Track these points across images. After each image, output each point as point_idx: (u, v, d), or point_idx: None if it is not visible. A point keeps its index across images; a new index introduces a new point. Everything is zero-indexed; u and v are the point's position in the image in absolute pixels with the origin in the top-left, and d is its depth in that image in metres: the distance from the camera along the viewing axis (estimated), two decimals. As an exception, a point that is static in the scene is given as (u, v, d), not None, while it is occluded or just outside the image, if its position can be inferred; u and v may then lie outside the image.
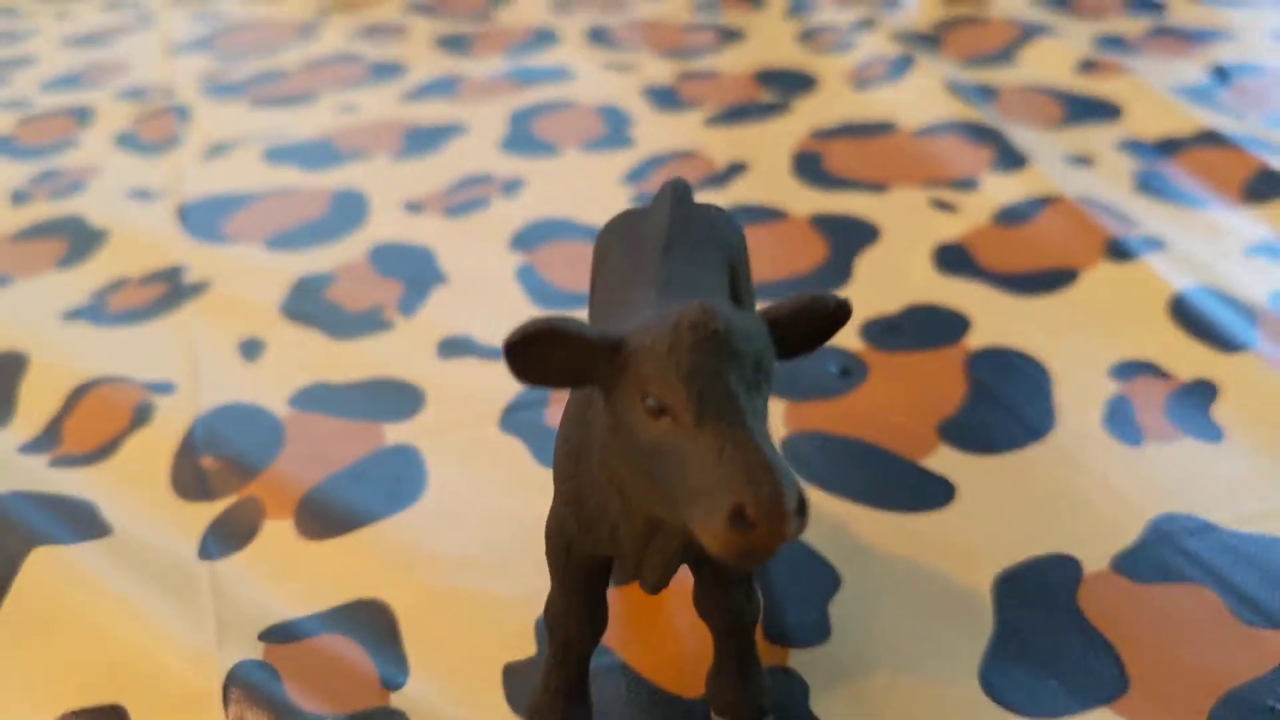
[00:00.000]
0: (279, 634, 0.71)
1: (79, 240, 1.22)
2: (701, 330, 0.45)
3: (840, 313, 0.51)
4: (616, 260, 0.62)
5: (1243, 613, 0.69)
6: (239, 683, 0.68)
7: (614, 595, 0.72)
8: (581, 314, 0.95)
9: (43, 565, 0.77)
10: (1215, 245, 1.09)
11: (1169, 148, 1.28)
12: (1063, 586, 0.72)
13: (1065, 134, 1.33)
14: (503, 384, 0.94)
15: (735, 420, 0.44)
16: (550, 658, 0.62)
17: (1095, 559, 0.74)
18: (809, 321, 0.51)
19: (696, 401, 0.44)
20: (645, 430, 0.46)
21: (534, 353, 0.46)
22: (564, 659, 0.62)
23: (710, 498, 0.43)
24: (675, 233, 0.61)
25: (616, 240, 0.64)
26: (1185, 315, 0.98)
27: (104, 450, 0.89)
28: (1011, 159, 1.27)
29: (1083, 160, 1.27)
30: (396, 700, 0.67)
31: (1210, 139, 1.28)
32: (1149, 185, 1.21)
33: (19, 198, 1.34)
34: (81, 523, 0.81)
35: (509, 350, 0.46)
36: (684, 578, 0.72)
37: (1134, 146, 1.29)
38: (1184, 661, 0.67)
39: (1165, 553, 0.74)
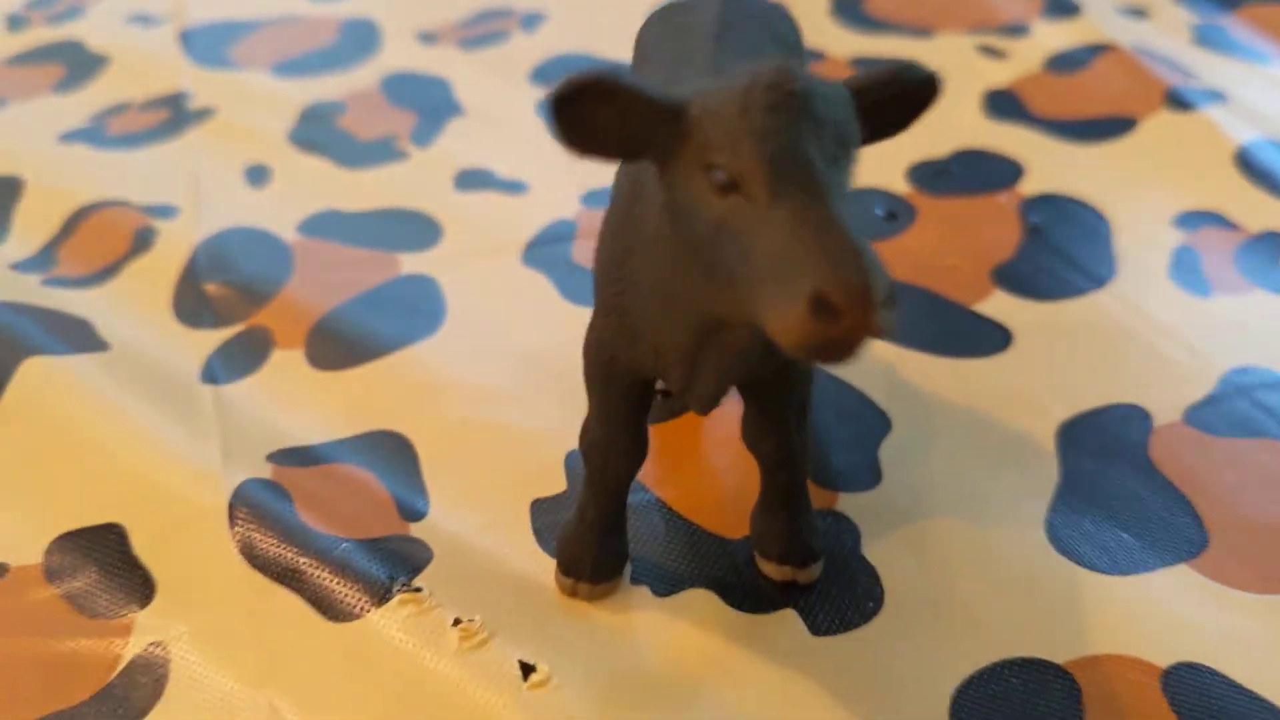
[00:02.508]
0: (289, 457, 0.67)
1: (77, 65, 1.14)
2: (779, 91, 0.39)
3: (930, 86, 0.45)
4: (661, 53, 0.56)
5: (1324, 469, 0.65)
6: (246, 501, 0.63)
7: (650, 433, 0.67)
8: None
9: (35, 376, 0.72)
10: (1279, 99, 1.02)
11: (1230, 1, 1.20)
12: (1132, 437, 0.67)
13: (1120, -18, 1.25)
14: (526, 218, 0.88)
15: (816, 194, 0.38)
16: (586, 488, 0.57)
17: (1166, 410, 0.69)
18: (896, 95, 0.45)
19: (771, 170, 0.38)
20: (710, 209, 0.40)
21: (583, 111, 0.40)
22: (601, 489, 0.57)
23: (787, 283, 0.37)
24: (728, 23, 0.54)
25: (660, 34, 0.58)
26: (1251, 167, 0.92)
27: (103, 274, 0.84)
28: (1063, 6, 1.19)
29: (1137, 11, 1.19)
30: (417, 530, 0.62)
31: (1275, -9, 1.20)
32: (1208, 38, 1.13)
33: (15, 22, 1.25)
34: (77, 337, 0.76)
35: (555, 104, 0.39)
36: (720, 414, 0.67)
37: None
38: (1265, 518, 0.62)
39: (1241, 405, 0.69)
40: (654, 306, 0.48)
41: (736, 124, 0.39)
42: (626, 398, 0.54)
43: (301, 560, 0.59)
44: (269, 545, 0.61)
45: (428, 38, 1.17)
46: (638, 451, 0.56)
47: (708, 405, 0.51)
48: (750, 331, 0.43)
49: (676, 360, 0.49)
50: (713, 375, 0.49)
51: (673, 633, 0.56)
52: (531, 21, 1.20)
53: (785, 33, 0.59)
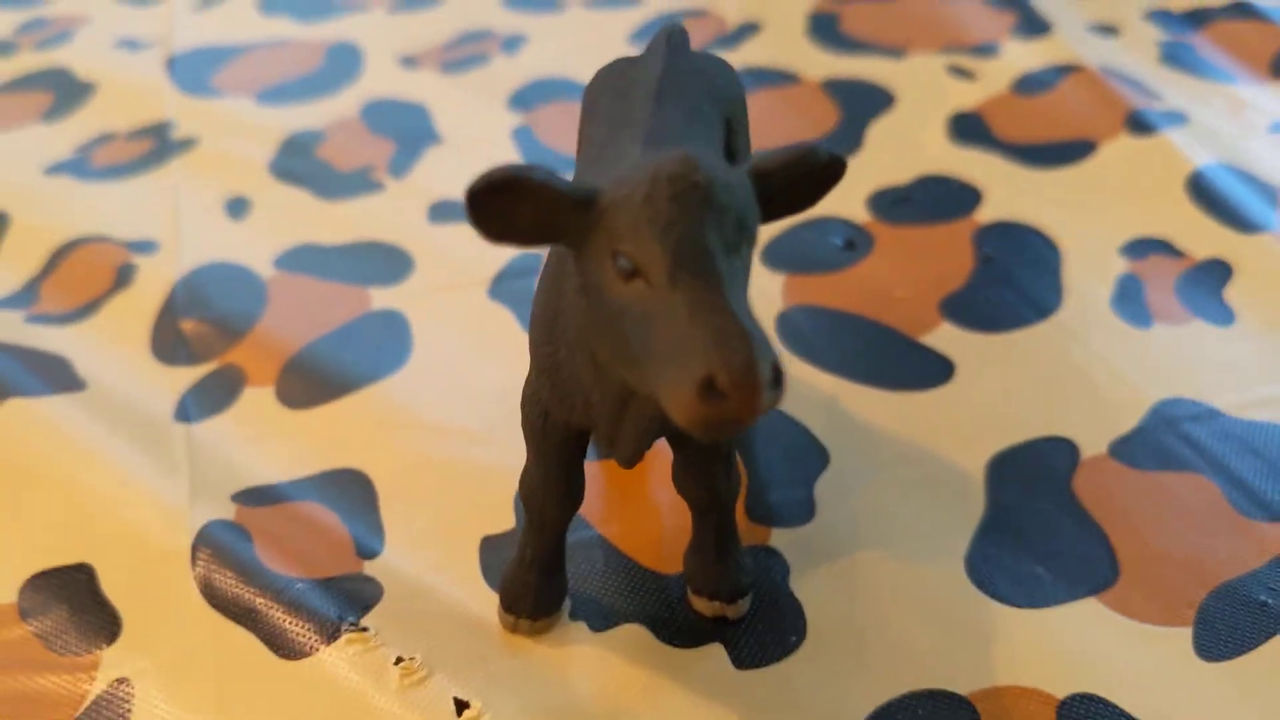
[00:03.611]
0: (253, 497, 0.70)
1: (65, 92, 1.18)
2: (681, 182, 0.42)
3: (833, 168, 0.48)
4: (605, 111, 0.59)
5: (1241, 503, 0.67)
6: (208, 542, 0.67)
7: (594, 470, 0.70)
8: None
9: (14, 417, 0.76)
10: (1239, 121, 1.04)
11: (1198, 18, 1.22)
12: (1058, 470, 0.70)
13: (1091, 1, 1.27)
14: (494, 250, 0.91)
15: (711, 281, 0.41)
16: (526, 530, 0.61)
17: (1093, 443, 0.72)
18: (800, 177, 0.47)
19: (671, 258, 0.41)
20: (616, 293, 0.43)
21: (499, 204, 0.43)
22: (539, 531, 0.60)
23: (680, 366, 0.40)
24: (668, 82, 0.57)
25: (607, 89, 0.61)
26: (1203, 193, 0.94)
27: (83, 311, 0.87)
28: (1034, 25, 1.21)
29: (1108, 29, 1.21)
30: (370, 568, 0.65)
31: (1240, 10, 1.22)
32: (1174, 57, 1.15)
33: (4, 48, 1.29)
34: (55, 377, 0.80)
35: (471, 200, 0.42)
36: (665, 453, 0.70)
37: (1162, 16, 1.23)
38: (1177, 551, 0.65)
39: (1166, 438, 0.72)
40: (581, 366, 0.51)
41: (640, 213, 0.42)
42: (561, 449, 0.58)
43: (258, 600, 0.63)
44: (228, 584, 0.64)
45: (409, 61, 1.20)
46: (573, 497, 0.59)
47: (631, 460, 0.54)
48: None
49: (603, 416, 0.52)
50: (634, 433, 0.52)
51: (605, 666, 0.60)
52: (513, 44, 1.23)
53: (724, 86, 0.61)
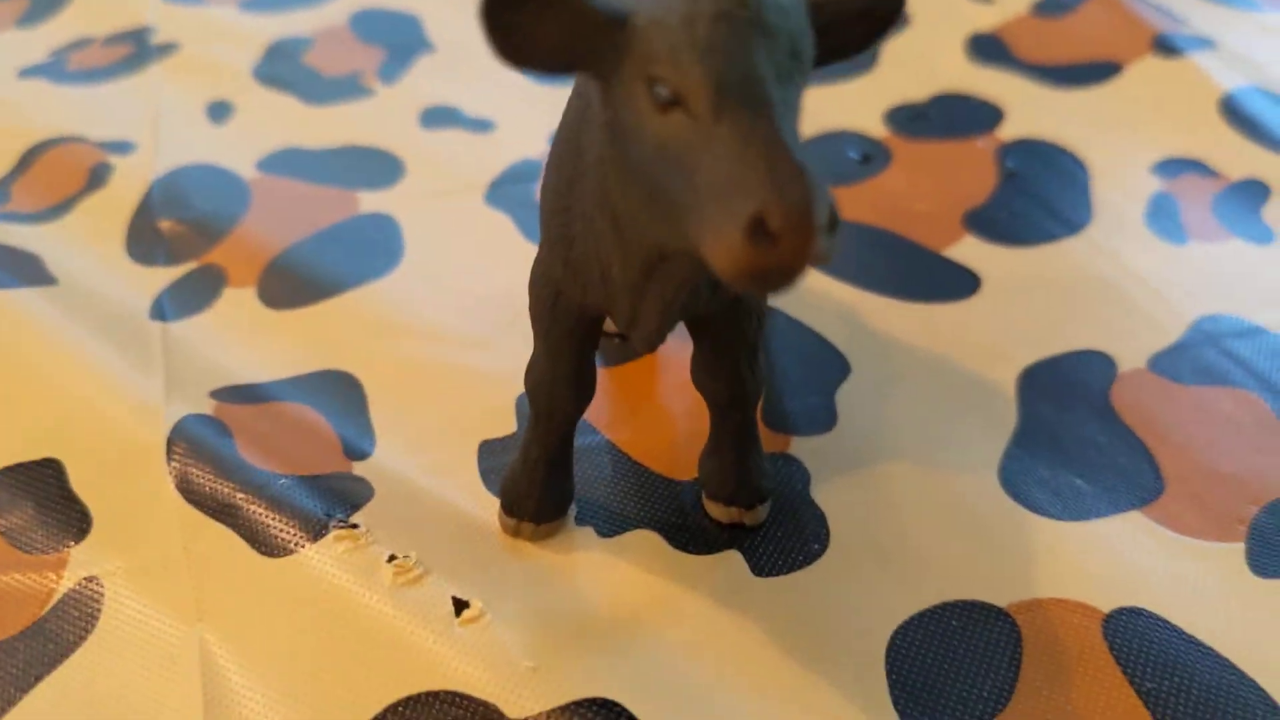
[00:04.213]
0: (233, 394, 0.65)
1: (40, -1, 1.12)
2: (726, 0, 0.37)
3: (892, 5, 0.43)
4: None
5: (1290, 417, 0.63)
6: (185, 435, 0.62)
7: (602, 378, 0.65)
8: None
9: (-23, 307, 0.71)
10: (1268, 46, 1.00)
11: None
12: (1095, 384, 0.66)
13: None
14: (492, 157, 0.86)
15: (761, 110, 0.36)
16: (531, 427, 0.56)
17: (1131, 356, 0.68)
18: (859, 12, 0.42)
19: (716, 83, 0.36)
20: (651, 128, 0.38)
21: (519, 20, 0.38)
22: (546, 427, 0.55)
23: (725, 205, 0.35)
24: None
25: None
26: (1236, 114, 0.90)
27: (55, 210, 0.82)
28: (1054, -46, 1.16)
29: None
30: (360, 469, 0.61)
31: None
32: (1199, -14, 1.11)
33: (-24, -47, 1.23)
34: (25, 271, 0.75)
35: (489, 9, 0.37)
36: (678, 357, 0.65)
37: (1184, -53, 1.18)
38: (1225, 466, 0.61)
39: (1208, 354, 0.68)
40: (601, 234, 0.46)
41: (680, 35, 0.37)
42: (572, 335, 0.53)
43: (238, 495, 0.58)
44: (206, 480, 0.59)
45: (402, -26, 1.15)
46: (584, 390, 0.55)
47: (652, 342, 0.50)
48: (695, 261, 0.42)
49: (623, 291, 0.47)
50: (657, 309, 0.47)
51: (615, 572, 0.55)
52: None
53: None
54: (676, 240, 0.40)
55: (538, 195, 0.80)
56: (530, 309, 0.53)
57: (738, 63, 0.36)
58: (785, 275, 0.35)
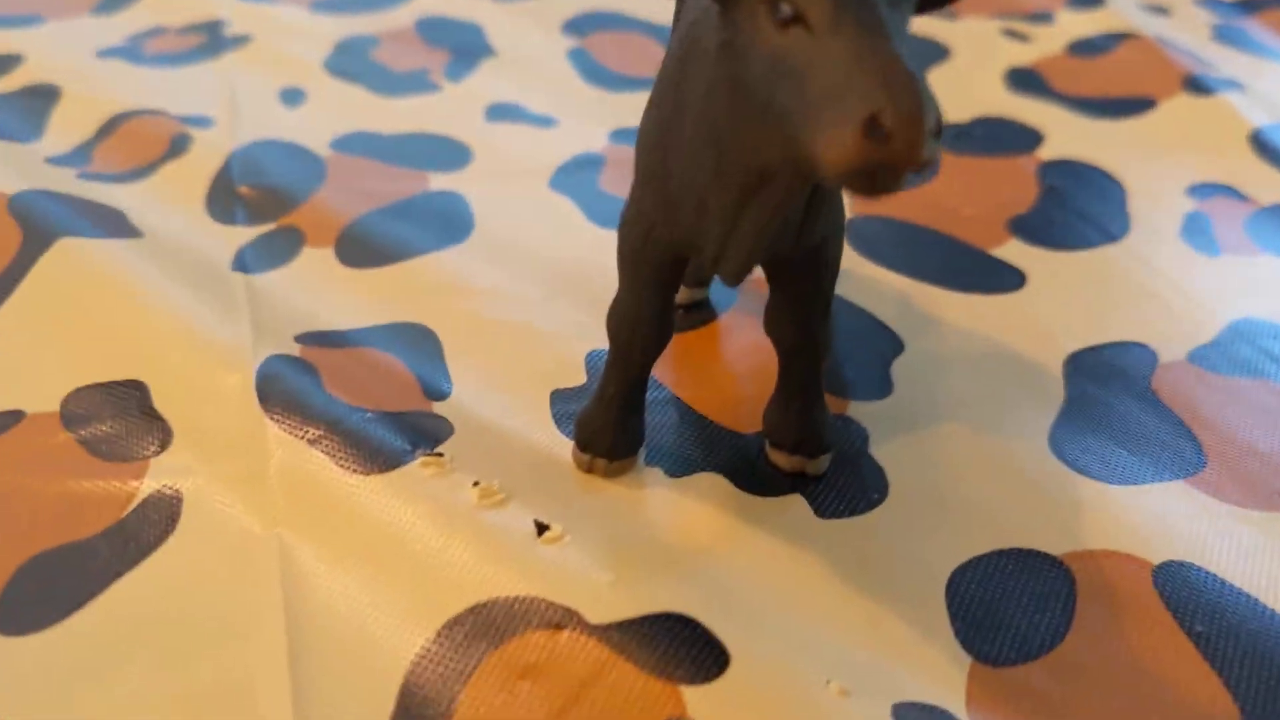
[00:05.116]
0: (317, 339, 0.68)
1: (113, -12, 1.17)
2: None
3: None
4: None
5: (1326, 410, 0.66)
6: (272, 369, 0.65)
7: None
8: (640, 99, 0.91)
9: (67, 252, 0.74)
10: (1296, 93, 1.04)
11: (1250, 5, 1.23)
12: (1137, 371, 0.69)
13: (1142, -18, 1.27)
14: (555, 148, 0.90)
15: (876, 28, 0.39)
16: (609, 367, 0.59)
17: (1171, 350, 0.71)
18: None
19: (835, 1, 0.40)
20: (769, 43, 0.41)
21: None
22: (624, 366, 0.58)
23: (841, 107, 0.38)
24: None
25: None
26: (1265, 147, 0.94)
27: (137, 172, 0.85)
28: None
29: (1159, 9, 1.22)
30: (439, 408, 0.63)
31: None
32: (1226, 36, 1.16)
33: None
34: (111, 224, 0.78)
35: None
36: (748, 321, 0.69)
37: (1212, 2, 1.24)
38: (1264, 445, 0.64)
39: (1245, 350, 0.71)
40: (701, 163, 0.49)
41: None
42: (658, 273, 0.56)
43: (323, 425, 0.61)
44: (291, 409, 0.62)
45: (462, -12, 1.19)
46: (664, 330, 0.58)
47: (740, 272, 0.52)
48: (791, 185, 0.45)
49: (719, 218, 0.50)
50: (750, 236, 0.50)
51: (683, 508, 0.58)
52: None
53: None
54: (785, 155, 0.43)
55: (600, 183, 0.85)
56: (619, 249, 0.56)
57: None
58: (893, 175, 0.38)
